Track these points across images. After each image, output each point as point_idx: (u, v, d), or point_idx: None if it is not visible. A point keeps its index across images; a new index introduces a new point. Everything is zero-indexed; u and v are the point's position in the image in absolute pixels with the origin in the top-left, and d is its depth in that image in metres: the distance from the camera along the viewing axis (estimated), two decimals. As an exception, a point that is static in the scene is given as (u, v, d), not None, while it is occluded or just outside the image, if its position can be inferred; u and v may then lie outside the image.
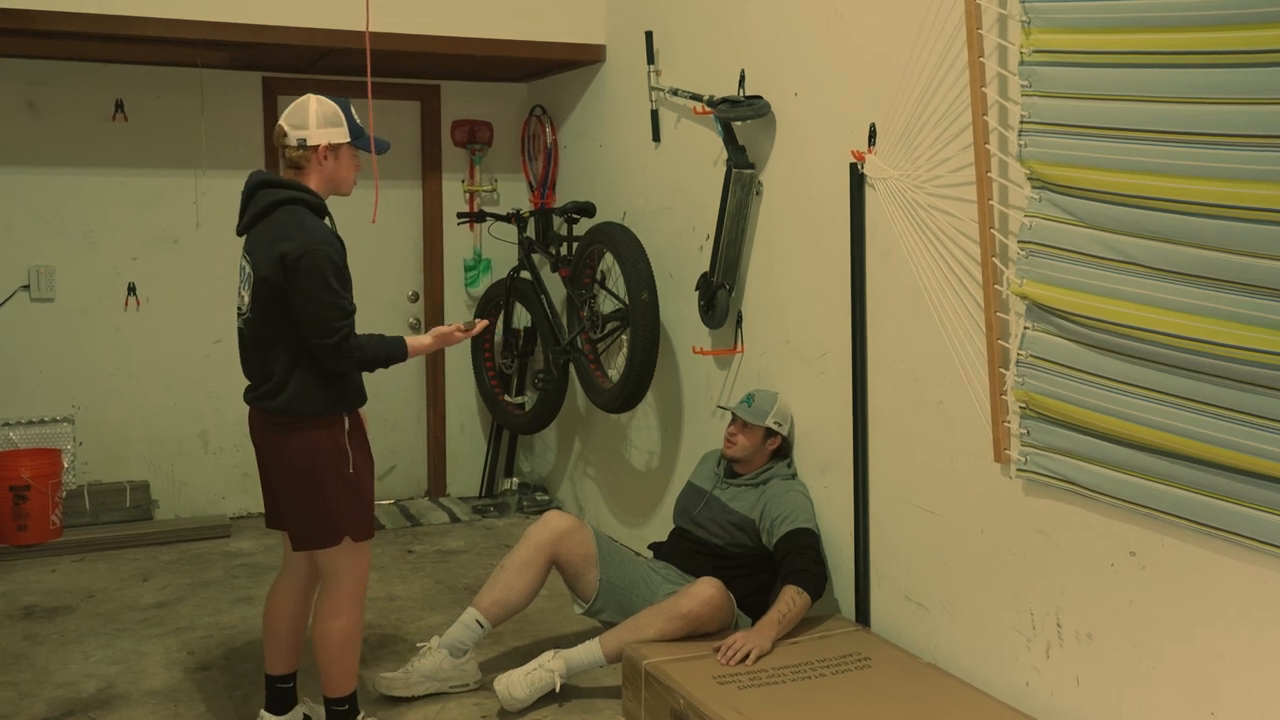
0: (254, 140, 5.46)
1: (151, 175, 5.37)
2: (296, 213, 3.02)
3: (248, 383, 3.14)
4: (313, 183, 3.09)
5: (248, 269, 3.07)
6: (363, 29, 4.28)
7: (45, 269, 5.22)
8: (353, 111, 3.13)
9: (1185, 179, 2.42)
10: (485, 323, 3.42)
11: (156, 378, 5.44)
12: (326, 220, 3.11)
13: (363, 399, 3.18)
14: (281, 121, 3.09)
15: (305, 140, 3.06)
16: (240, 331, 3.14)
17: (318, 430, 3.05)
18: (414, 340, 3.19)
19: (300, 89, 5.43)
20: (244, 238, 3.12)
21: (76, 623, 4.21)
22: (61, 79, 5.19)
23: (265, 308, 3.02)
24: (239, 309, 3.13)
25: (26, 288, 5.21)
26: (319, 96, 3.12)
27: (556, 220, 5.17)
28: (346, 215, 5.37)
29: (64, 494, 5.13)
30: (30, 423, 5.24)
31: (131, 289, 5.37)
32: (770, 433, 3.77)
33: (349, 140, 3.10)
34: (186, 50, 4.91)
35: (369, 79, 4.01)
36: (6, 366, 5.20)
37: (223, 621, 4.23)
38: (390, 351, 3.12)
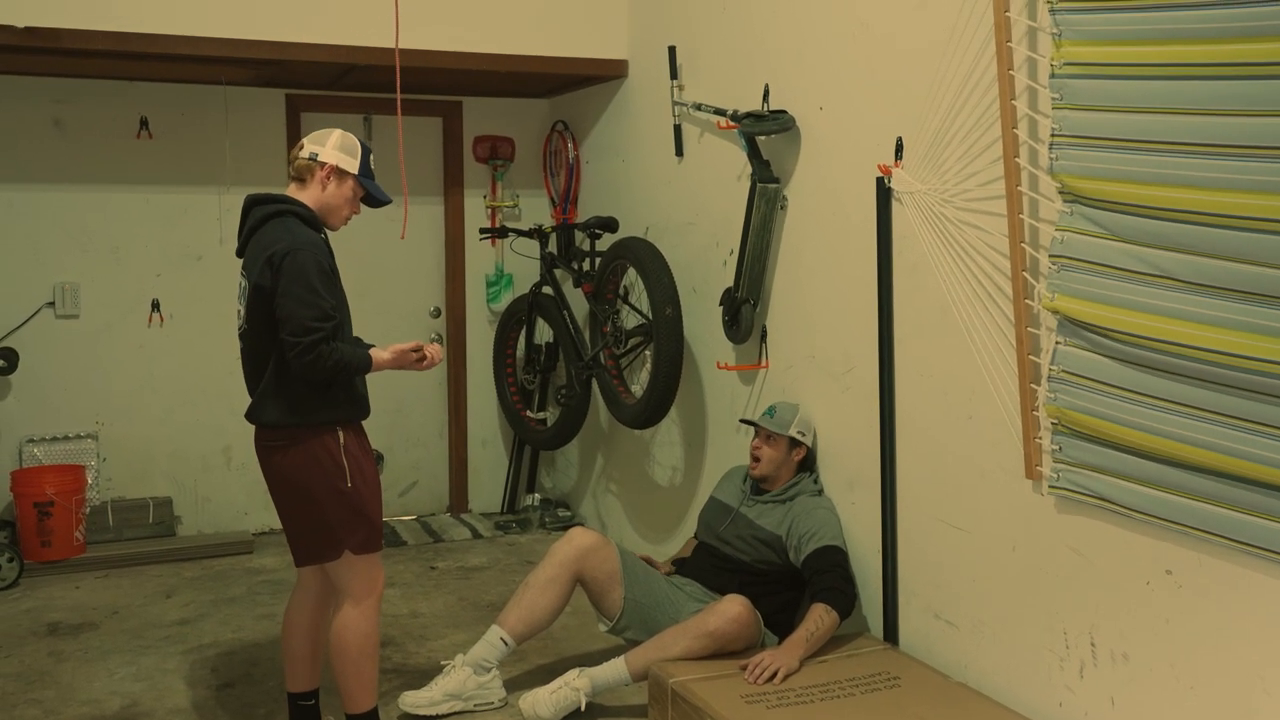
0: (278, 157, 5.47)
1: (176, 192, 5.40)
2: (287, 222, 3.04)
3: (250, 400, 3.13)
4: (308, 199, 3.11)
5: (244, 282, 3.08)
6: (384, 45, 4.30)
7: (70, 285, 5.25)
8: (370, 159, 3.19)
9: (1219, 191, 2.39)
10: (439, 354, 3.23)
11: (180, 394, 5.45)
12: (323, 236, 3.12)
13: (362, 413, 3.14)
14: (304, 139, 3.17)
15: (316, 155, 3.11)
16: (241, 350, 3.14)
17: (309, 443, 3.03)
18: (376, 354, 3.10)
19: (323, 106, 5.55)
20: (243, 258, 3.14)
21: (100, 640, 4.21)
22: (87, 97, 5.23)
23: (258, 318, 3.02)
24: (239, 327, 3.13)
25: (51, 304, 5.23)
26: (347, 132, 3.20)
27: (579, 235, 5.16)
28: (370, 230, 5.43)
29: (88, 510, 5.14)
30: (54, 439, 5.25)
31: (155, 305, 5.39)
32: (795, 443, 3.74)
33: (355, 174, 3.13)
34: (211, 68, 4.93)
35: (398, 95, 4.03)
36: (32, 383, 5.22)
37: (245, 638, 4.22)
38: (359, 362, 3.04)
